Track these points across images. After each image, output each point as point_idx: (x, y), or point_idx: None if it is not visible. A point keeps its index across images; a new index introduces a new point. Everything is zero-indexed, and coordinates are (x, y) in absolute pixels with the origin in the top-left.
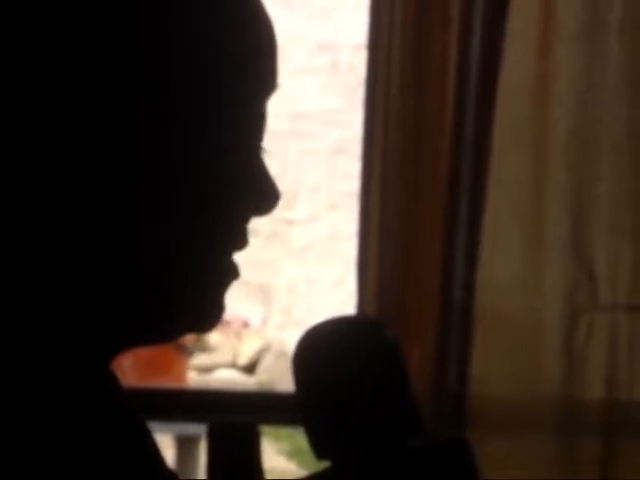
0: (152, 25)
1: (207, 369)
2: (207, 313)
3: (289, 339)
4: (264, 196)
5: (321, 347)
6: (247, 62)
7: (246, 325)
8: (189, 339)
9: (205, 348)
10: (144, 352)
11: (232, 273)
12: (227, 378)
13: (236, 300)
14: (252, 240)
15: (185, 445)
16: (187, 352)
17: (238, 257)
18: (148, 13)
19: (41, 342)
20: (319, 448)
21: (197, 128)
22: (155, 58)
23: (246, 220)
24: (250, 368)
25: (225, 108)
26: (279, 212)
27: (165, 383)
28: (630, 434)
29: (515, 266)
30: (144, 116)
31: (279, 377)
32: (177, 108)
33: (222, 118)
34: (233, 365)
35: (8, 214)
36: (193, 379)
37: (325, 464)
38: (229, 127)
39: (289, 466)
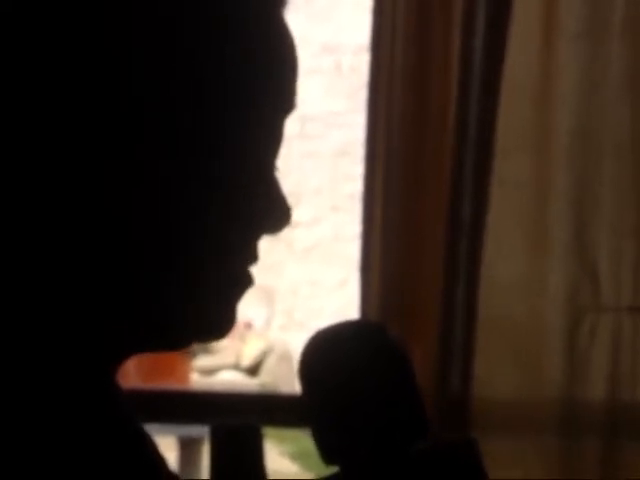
0: (156, 26)
1: (210, 371)
2: (216, 323)
3: (292, 341)
4: (275, 214)
5: (326, 350)
6: (270, 77)
7: (249, 327)
8: None
9: (208, 350)
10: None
11: (244, 282)
12: (230, 380)
13: (239, 306)
14: (259, 243)
15: (188, 447)
16: (190, 354)
17: None
18: (153, 12)
19: (40, 348)
20: (326, 452)
21: (211, 136)
22: (163, 59)
23: (256, 236)
24: (253, 370)
25: (236, 113)
26: None
27: (168, 385)
28: (633, 435)
29: (518, 267)
30: (148, 118)
31: (282, 379)
32: (191, 115)
33: (237, 127)
34: (236, 367)
35: (7, 216)
36: (196, 381)
37: (333, 469)
38: (245, 138)
39: (293, 468)
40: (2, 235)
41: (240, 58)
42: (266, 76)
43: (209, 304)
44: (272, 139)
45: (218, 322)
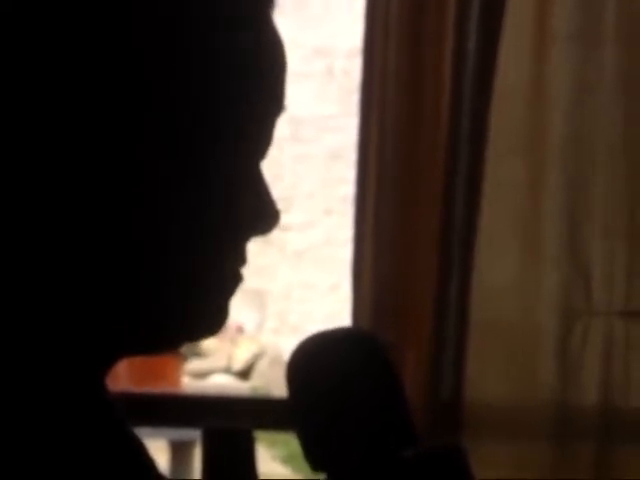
0: (155, 27)
1: (202, 374)
2: (211, 321)
3: (284, 344)
4: (263, 216)
5: (316, 355)
6: (260, 80)
7: (241, 330)
8: None
9: (199, 353)
10: (139, 357)
11: (235, 281)
12: (222, 383)
13: (231, 305)
14: (248, 245)
15: (180, 450)
16: (182, 357)
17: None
18: (151, 14)
19: (37, 348)
20: (313, 458)
21: (205, 139)
22: (161, 59)
23: (244, 238)
24: (245, 373)
25: (233, 122)
26: None
27: (160, 388)
28: (625, 439)
29: (511, 271)
30: (148, 118)
31: (274, 382)
32: (183, 109)
33: (229, 131)
34: (227, 370)
35: (6, 216)
36: (187, 384)
37: (319, 475)
38: (236, 142)
39: (284, 472)
40: (1, 235)
41: (234, 57)
42: (257, 75)
43: (205, 303)
44: (263, 140)
45: (213, 320)
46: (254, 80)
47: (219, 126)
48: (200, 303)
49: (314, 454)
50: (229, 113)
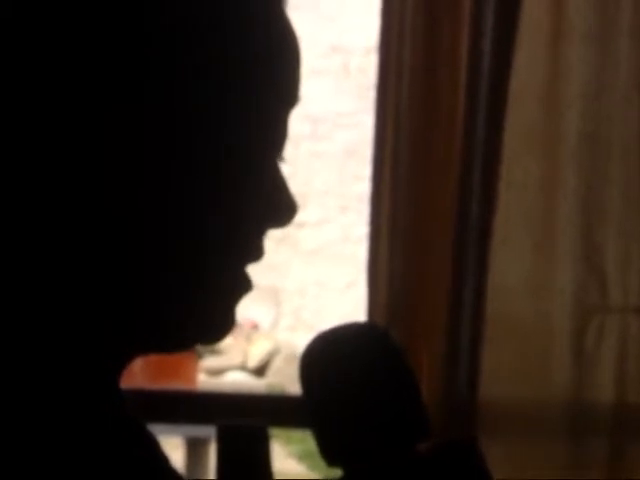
0: (165, 22)
1: (217, 371)
2: (216, 325)
3: (299, 342)
4: (280, 209)
5: (329, 351)
6: (271, 69)
7: (256, 328)
8: None
9: (215, 350)
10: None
11: (244, 285)
12: (237, 380)
13: (246, 303)
14: (264, 239)
15: (195, 447)
16: (197, 354)
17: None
18: (162, 10)
19: (43, 350)
20: (328, 453)
21: (211, 131)
22: (169, 56)
23: (261, 232)
24: (260, 370)
25: (242, 112)
26: None
27: (175, 385)
28: None
29: (525, 269)
30: (154, 115)
31: (289, 379)
32: (191, 108)
33: (238, 121)
34: (243, 367)
35: (8, 217)
36: (203, 381)
37: (335, 471)
38: (246, 133)
39: (299, 469)
40: (3, 236)
41: (244, 52)
42: (269, 69)
43: (211, 305)
44: (277, 134)
45: (219, 324)
46: (265, 74)
47: (226, 123)
48: (205, 304)
49: (329, 450)
50: (238, 108)
